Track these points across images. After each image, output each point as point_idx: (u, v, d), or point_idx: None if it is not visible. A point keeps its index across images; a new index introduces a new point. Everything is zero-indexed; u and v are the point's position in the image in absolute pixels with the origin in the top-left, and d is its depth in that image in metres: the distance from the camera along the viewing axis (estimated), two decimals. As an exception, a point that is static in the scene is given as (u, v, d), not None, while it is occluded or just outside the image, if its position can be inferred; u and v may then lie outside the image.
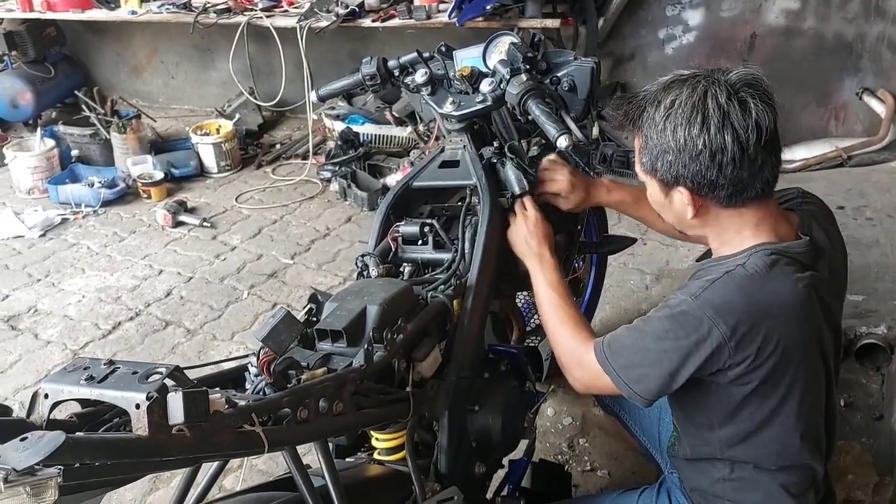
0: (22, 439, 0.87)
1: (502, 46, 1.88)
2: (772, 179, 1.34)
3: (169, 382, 1.00)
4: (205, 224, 4.09)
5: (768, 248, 1.34)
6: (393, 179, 4.23)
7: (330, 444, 1.39)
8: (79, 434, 0.95)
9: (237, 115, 5.02)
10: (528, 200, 1.76)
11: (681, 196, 1.36)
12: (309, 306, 1.53)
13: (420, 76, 1.86)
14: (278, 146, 5.09)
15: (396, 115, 4.62)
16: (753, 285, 1.30)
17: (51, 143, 4.67)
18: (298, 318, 1.41)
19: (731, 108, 1.26)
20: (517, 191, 1.77)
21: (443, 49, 1.94)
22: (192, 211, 4.26)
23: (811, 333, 1.37)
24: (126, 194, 4.48)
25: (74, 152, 4.77)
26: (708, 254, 1.53)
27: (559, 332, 1.59)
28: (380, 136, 4.62)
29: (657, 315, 1.38)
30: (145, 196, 4.45)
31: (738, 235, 1.38)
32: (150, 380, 0.98)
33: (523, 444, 1.85)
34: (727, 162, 1.28)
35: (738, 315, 1.29)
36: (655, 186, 1.40)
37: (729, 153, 1.27)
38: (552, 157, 1.88)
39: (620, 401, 2.04)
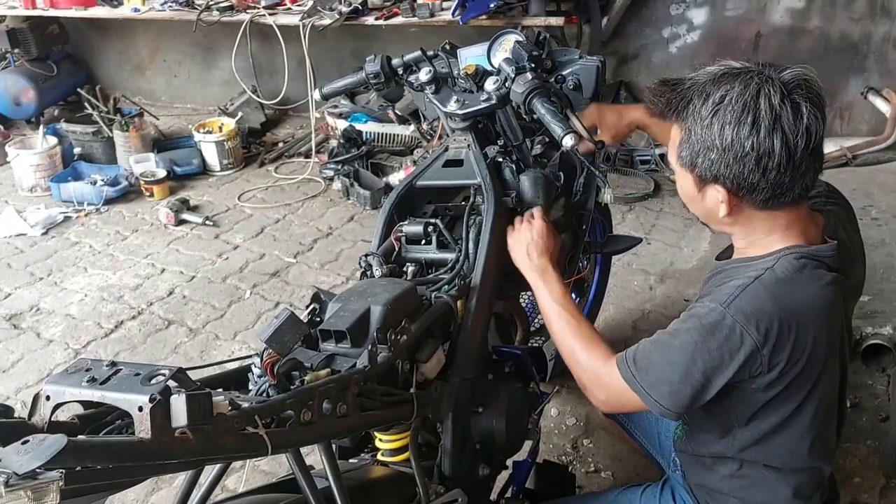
0: (23, 442, 0.85)
1: (507, 45, 1.87)
2: (811, 185, 1.30)
3: (172, 384, 0.98)
4: (207, 223, 4.08)
5: (797, 251, 1.31)
6: (395, 178, 4.22)
7: (333, 446, 1.38)
8: (80, 437, 0.94)
9: (240, 114, 5.01)
10: (538, 211, 1.74)
11: (716, 194, 1.31)
12: (312, 306, 1.52)
13: (424, 74, 1.85)
14: (281, 145, 5.09)
15: (399, 114, 4.61)
16: (784, 290, 1.27)
17: (53, 140, 4.66)
18: (301, 318, 1.40)
19: (784, 111, 1.21)
20: (539, 202, 1.76)
21: (447, 47, 1.93)
22: (194, 209, 4.25)
23: (836, 336, 1.36)
24: (128, 192, 4.47)
25: (77, 150, 4.77)
26: (728, 251, 1.50)
27: (575, 352, 1.52)
28: (382, 134, 4.62)
29: (685, 327, 1.33)
30: (148, 194, 4.44)
31: (767, 237, 1.35)
32: (152, 382, 0.97)
33: (527, 445, 1.84)
34: (773, 167, 1.24)
35: (771, 321, 1.26)
36: (689, 180, 1.35)
37: (776, 158, 1.23)
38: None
39: None
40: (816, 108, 1.23)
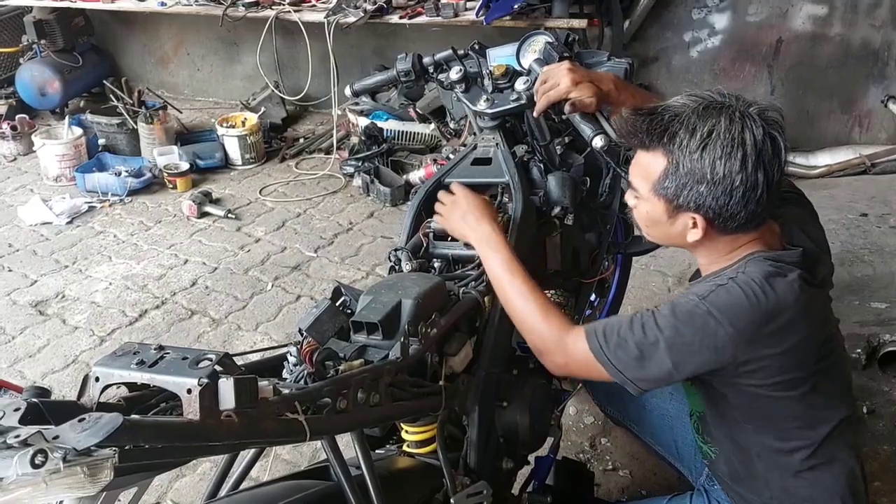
0: (80, 420, 0.88)
1: (537, 45, 1.90)
2: (772, 211, 1.38)
3: (217, 368, 1.02)
4: (229, 215, 4.13)
5: (762, 254, 1.37)
6: (415, 176, 4.25)
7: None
8: (134, 416, 0.97)
9: (262, 109, 5.06)
10: (455, 184, 1.75)
11: (689, 221, 1.37)
12: (343, 299, 1.56)
13: (454, 73, 1.88)
14: (302, 140, 5.13)
15: (420, 112, 4.64)
16: (758, 289, 1.31)
17: (78, 131, 4.73)
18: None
19: (765, 147, 1.28)
20: (566, 203, 1.80)
21: (476, 47, 1.96)
22: (216, 202, 4.30)
23: (819, 327, 1.40)
24: (152, 184, 4.53)
25: (101, 141, 4.83)
26: (699, 273, 1.54)
27: (531, 315, 1.51)
28: (403, 132, 4.66)
29: (660, 312, 1.37)
30: (171, 186, 4.49)
31: (731, 254, 1.41)
32: (200, 365, 1.00)
33: (548, 441, 1.87)
34: (755, 198, 1.30)
35: (744, 318, 1.30)
36: (660, 207, 1.39)
37: (759, 190, 1.29)
38: (549, 67, 1.73)
39: (628, 413, 2.04)
40: (785, 142, 1.31)
